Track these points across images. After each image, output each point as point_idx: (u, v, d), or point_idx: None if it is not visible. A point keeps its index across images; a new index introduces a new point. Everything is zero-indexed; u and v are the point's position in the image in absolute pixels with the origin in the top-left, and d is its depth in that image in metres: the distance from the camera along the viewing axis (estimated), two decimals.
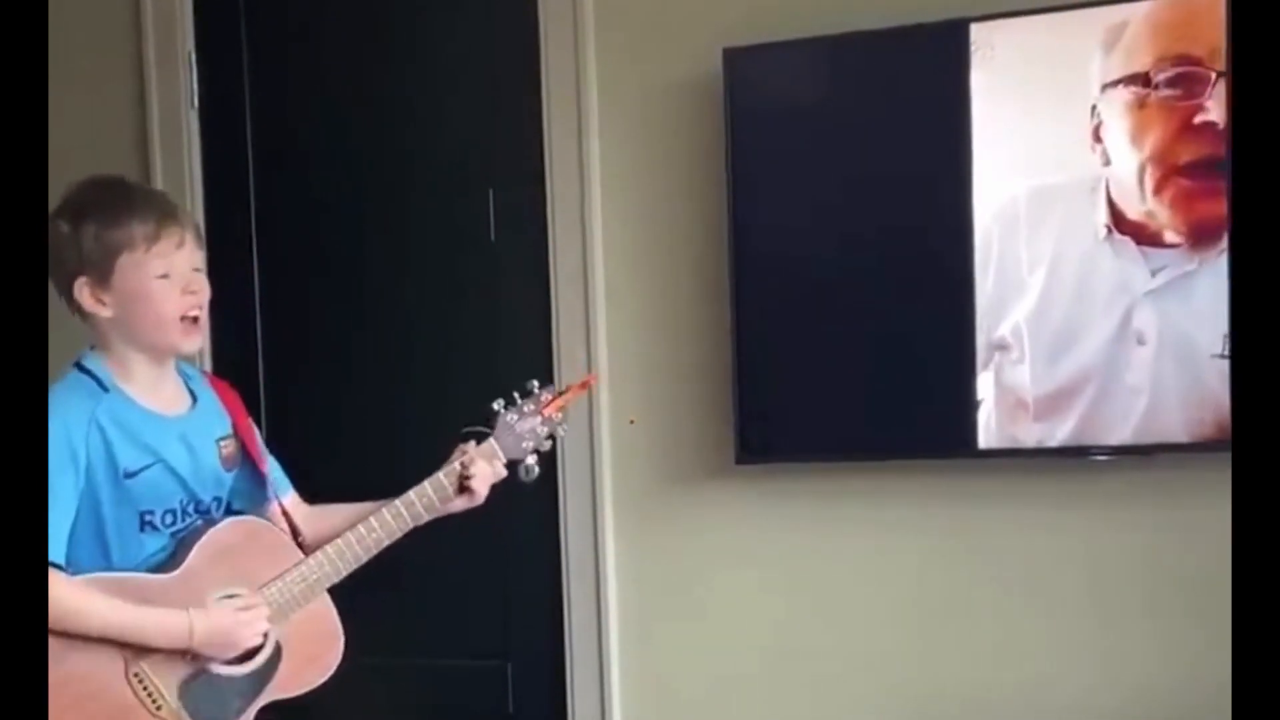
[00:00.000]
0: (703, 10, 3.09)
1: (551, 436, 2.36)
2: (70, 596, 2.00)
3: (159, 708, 2.06)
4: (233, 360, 3.33)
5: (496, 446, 2.30)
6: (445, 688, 3.39)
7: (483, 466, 2.27)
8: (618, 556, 3.25)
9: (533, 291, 3.27)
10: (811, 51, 2.97)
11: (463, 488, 2.27)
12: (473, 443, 2.30)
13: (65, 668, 1.99)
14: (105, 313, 2.11)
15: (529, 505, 3.29)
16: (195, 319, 2.15)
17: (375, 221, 3.44)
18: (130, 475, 2.08)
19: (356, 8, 3.46)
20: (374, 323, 3.46)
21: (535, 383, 2.34)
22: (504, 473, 2.31)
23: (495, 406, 2.31)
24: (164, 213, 2.13)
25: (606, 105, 3.19)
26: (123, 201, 2.13)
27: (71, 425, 2.04)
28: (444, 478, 2.27)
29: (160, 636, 2.05)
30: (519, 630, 3.37)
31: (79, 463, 2.04)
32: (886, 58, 2.93)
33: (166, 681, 2.07)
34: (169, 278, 2.11)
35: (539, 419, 2.33)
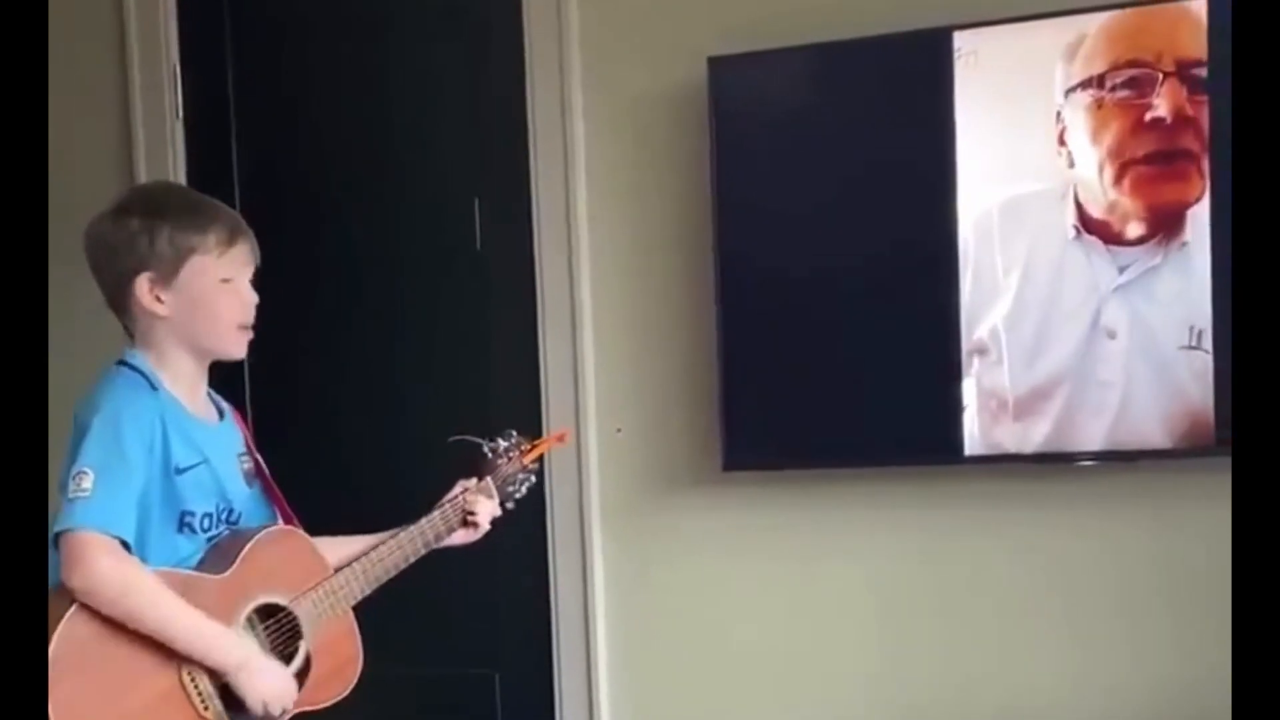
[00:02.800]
0: (688, 19, 3.11)
1: (527, 484, 2.53)
2: (149, 587, 2.02)
3: (207, 708, 2.08)
4: (219, 370, 3.31)
5: (492, 485, 2.45)
6: (434, 697, 3.39)
7: (484, 503, 2.42)
8: (605, 564, 3.26)
9: (519, 300, 3.27)
10: (796, 60, 2.99)
11: (465, 522, 2.41)
12: (474, 480, 2.43)
13: (124, 661, 2.01)
14: (162, 311, 2.14)
15: (517, 514, 3.27)
16: (249, 328, 2.22)
17: (361, 231, 3.45)
18: (180, 472, 2.10)
19: (341, 19, 3.46)
20: (361, 332, 3.46)
21: (514, 431, 2.50)
22: (498, 511, 2.45)
23: (486, 450, 2.46)
24: (236, 226, 2.20)
25: (592, 113, 3.20)
26: (201, 207, 2.21)
27: (143, 412, 2.07)
28: (450, 510, 2.39)
29: (215, 654, 2.07)
30: (507, 639, 3.37)
31: (146, 446, 2.06)
32: (870, 66, 2.94)
33: (215, 686, 2.09)
34: (232, 284, 2.18)
35: (518, 466, 2.49)
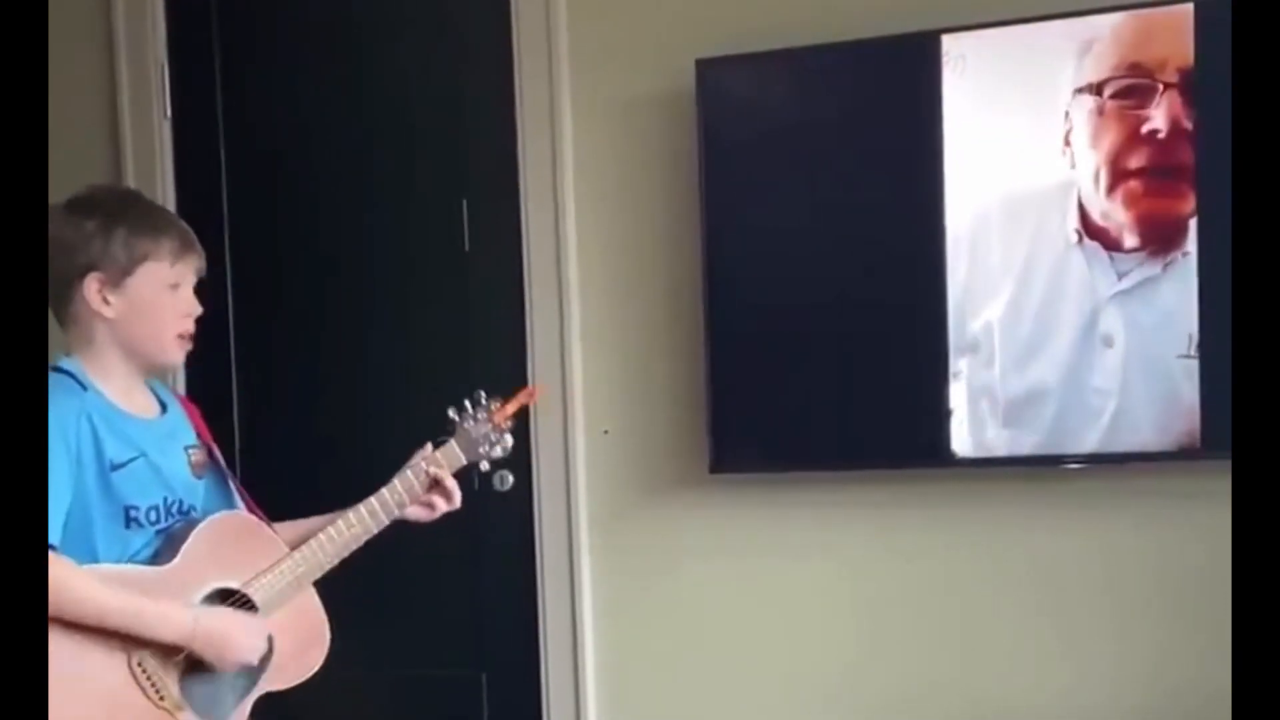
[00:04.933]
0: (676, 22, 3.11)
1: (502, 445, 2.45)
2: (71, 579, 2.02)
3: (162, 698, 2.10)
4: (205, 371, 3.31)
5: (457, 449, 2.39)
6: (421, 698, 3.38)
7: (453, 484, 2.36)
8: (592, 566, 3.26)
9: (507, 302, 3.27)
10: (784, 63, 2.99)
11: (432, 487, 2.36)
12: (429, 446, 2.39)
13: (67, 655, 2.01)
14: (108, 313, 2.15)
15: (504, 515, 3.30)
16: (189, 337, 2.23)
17: (349, 232, 3.44)
18: (116, 467, 2.11)
19: (329, 16, 3.46)
20: (348, 333, 3.45)
21: (483, 392, 2.45)
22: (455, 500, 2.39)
23: (450, 414, 2.41)
24: (188, 236, 2.23)
25: (580, 115, 3.20)
26: (157, 215, 2.25)
27: (65, 416, 2.07)
28: (412, 476, 2.35)
29: (162, 626, 2.08)
30: (494, 640, 3.37)
31: (73, 452, 2.07)
32: (859, 69, 2.94)
33: (169, 672, 2.11)
34: (179, 292, 2.20)
35: (490, 426, 2.43)
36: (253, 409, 3.48)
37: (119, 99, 3.54)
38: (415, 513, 2.38)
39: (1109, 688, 2.94)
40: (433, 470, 2.35)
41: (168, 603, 2.09)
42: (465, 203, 3.32)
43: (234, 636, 2.14)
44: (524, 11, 3.21)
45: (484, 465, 2.44)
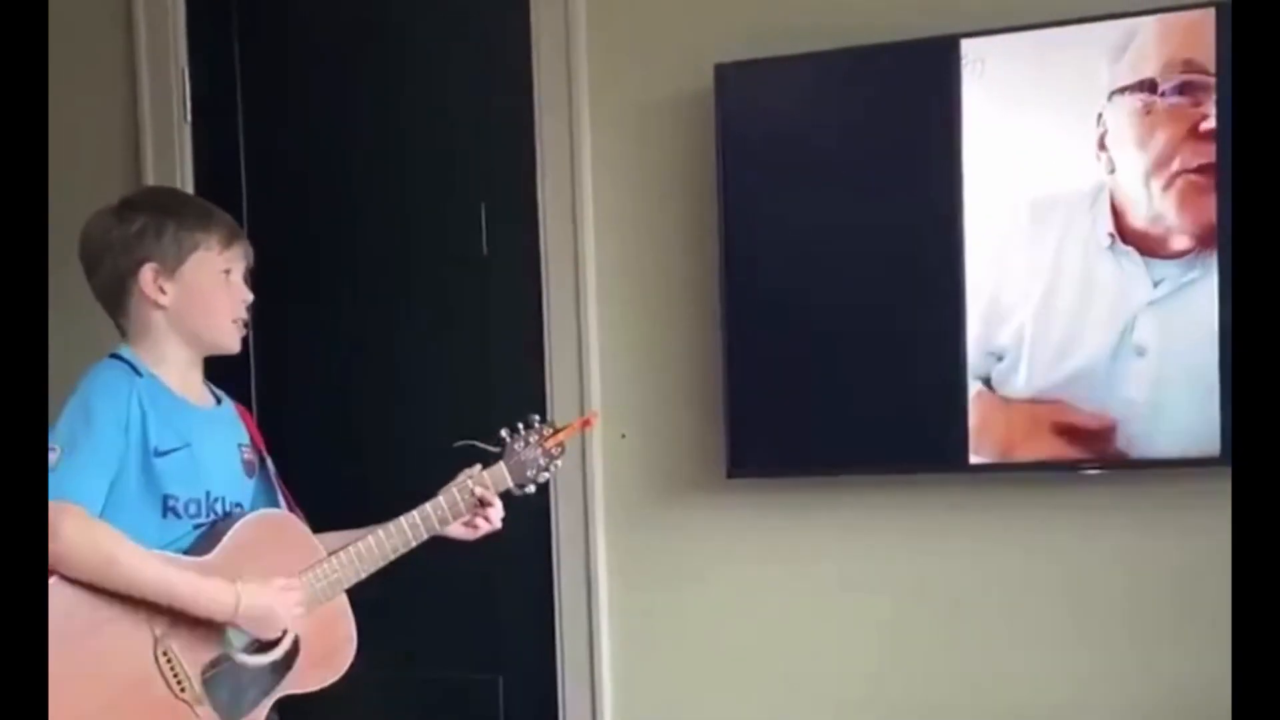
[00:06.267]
0: (695, 26, 3.11)
1: (548, 469, 2.46)
2: (125, 547, 2.06)
3: (183, 689, 2.12)
4: (223, 373, 3.32)
5: (506, 472, 2.41)
6: (437, 701, 3.39)
7: (496, 501, 2.39)
8: (609, 569, 3.26)
9: (525, 305, 3.28)
10: (803, 67, 2.98)
11: (479, 505, 2.39)
12: (478, 467, 2.39)
13: (96, 640, 2.05)
14: (164, 301, 2.22)
15: (521, 518, 3.28)
16: (244, 323, 2.31)
17: (367, 235, 3.45)
18: (160, 454, 2.15)
19: (349, 21, 3.47)
20: (366, 336, 3.46)
21: (536, 416, 2.46)
22: (500, 515, 2.42)
23: (503, 434, 2.42)
24: (235, 227, 2.32)
25: (598, 119, 3.20)
26: (204, 208, 2.33)
27: (119, 394, 2.13)
28: (458, 494, 2.37)
29: (209, 603, 2.11)
30: (511, 643, 3.38)
31: (121, 427, 2.11)
32: (877, 74, 2.94)
33: (192, 665, 2.13)
34: (230, 278, 2.27)
35: (540, 450, 2.43)
36: (271, 412, 3.47)
37: (139, 102, 3.55)
38: (457, 531, 2.41)
39: (1130, 695, 2.93)
40: (479, 491, 2.37)
41: (215, 581, 2.12)
42: (484, 206, 3.33)
43: (277, 613, 2.17)
44: (543, 15, 3.21)
45: (529, 489, 2.45)
